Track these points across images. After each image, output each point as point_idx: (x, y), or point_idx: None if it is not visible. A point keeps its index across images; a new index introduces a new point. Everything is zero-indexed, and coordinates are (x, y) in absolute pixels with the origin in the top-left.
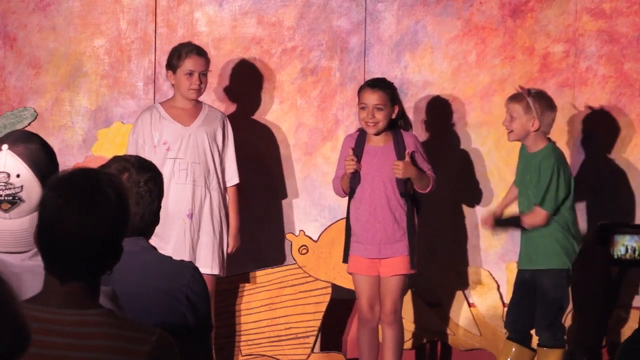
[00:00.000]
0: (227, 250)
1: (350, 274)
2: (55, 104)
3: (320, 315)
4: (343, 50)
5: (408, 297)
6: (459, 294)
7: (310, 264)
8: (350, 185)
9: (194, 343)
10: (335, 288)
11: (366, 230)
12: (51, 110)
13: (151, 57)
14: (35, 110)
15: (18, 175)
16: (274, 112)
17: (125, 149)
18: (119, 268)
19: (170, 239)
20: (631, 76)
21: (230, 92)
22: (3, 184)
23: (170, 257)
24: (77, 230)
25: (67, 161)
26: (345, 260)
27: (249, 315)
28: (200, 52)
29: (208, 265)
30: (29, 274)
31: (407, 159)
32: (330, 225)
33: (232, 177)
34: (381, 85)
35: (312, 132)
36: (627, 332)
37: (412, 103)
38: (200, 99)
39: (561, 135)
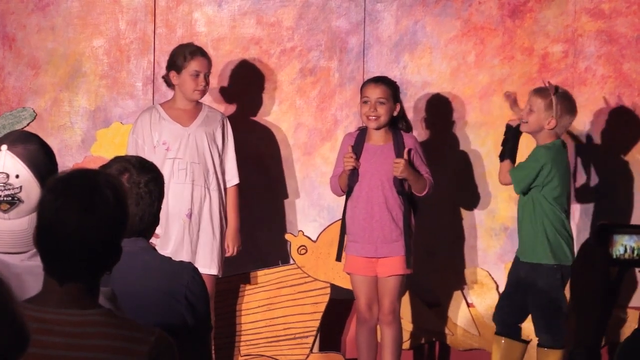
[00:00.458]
0: (225, 251)
1: (348, 273)
2: (54, 104)
3: (319, 316)
4: (342, 51)
5: (406, 297)
6: (457, 294)
7: (309, 264)
8: (348, 183)
9: (193, 343)
10: (334, 288)
11: (363, 229)
12: (50, 110)
13: (150, 57)
14: (34, 111)
15: (17, 176)
16: (273, 113)
17: (124, 150)
18: (118, 268)
19: (170, 239)
20: (630, 76)
21: (230, 92)
22: (2, 184)
23: (170, 258)
24: (76, 231)
25: (66, 161)
26: (339, 258)
27: (248, 315)
28: (204, 53)
29: (207, 265)
30: (28, 274)
31: (406, 156)
32: (329, 225)
33: (232, 178)
34: (384, 80)
35: (311, 132)
36: (626, 332)
37: (411, 103)
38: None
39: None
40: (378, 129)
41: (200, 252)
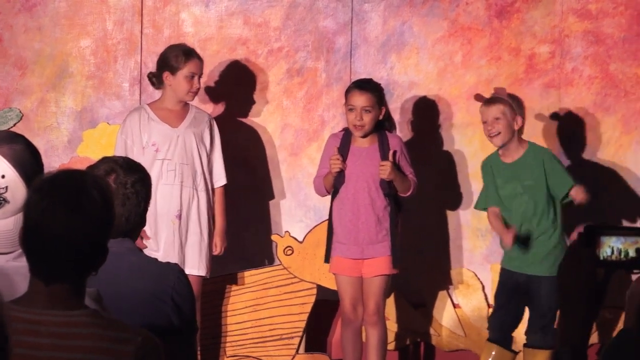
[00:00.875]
0: (212, 252)
1: (334, 274)
2: (41, 104)
3: (305, 316)
4: (329, 51)
5: (392, 298)
6: (443, 294)
7: (296, 265)
8: (334, 184)
9: (179, 344)
10: (320, 289)
11: (349, 230)
12: (37, 111)
13: (137, 57)
14: (20, 111)
15: (3, 176)
16: (260, 113)
17: (111, 150)
18: (105, 269)
19: (160, 240)
20: (617, 77)
21: (217, 92)
22: None
23: (156, 259)
24: (62, 232)
25: (52, 162)
26: (327, 260)
27: (234, 316)
28: (198, 55)
29: (195, 266)
30: (17, 275)
31: (391, 159)
32: (316, 226)
33: (220, 179)
34: (369, 87)
35: (298, 133)
36: (612, 332)
37: (398, 104)
38: None
39: (546, 136)
40: (364, 136)
41: (189, 253)
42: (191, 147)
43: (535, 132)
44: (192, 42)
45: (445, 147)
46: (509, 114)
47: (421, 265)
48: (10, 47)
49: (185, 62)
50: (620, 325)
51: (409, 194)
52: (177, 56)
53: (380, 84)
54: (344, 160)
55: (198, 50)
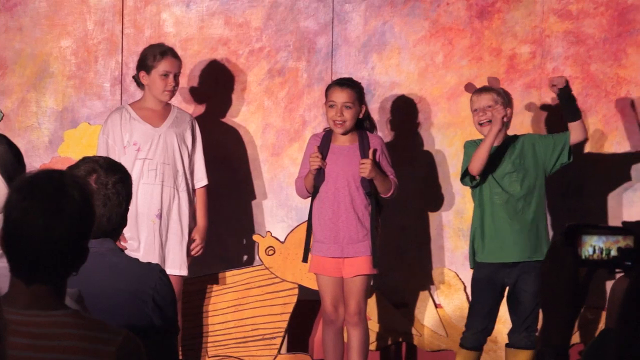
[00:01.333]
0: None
1: (314, 274)
2: (22, 104)
3: (287, 317)
4: (310, 51)
5: (373, 298)
6: (425, 294)
7: (277, 265)
8: (314, 183)
9: (160, 345)
10: (302, 289)
11: (329, 229)
12: (17, 111)
13: (118, 57)
14: (1, 111)
15: None
16: (241, 113)
17: (92, 150)
18: (85, 269)
19: (141, 240)
20: (597, 77)
21: (198, 93)
22: None
23: (137, 259)
24: (42, 232)
25: (33, 162)
26: (305, 259)
27: (216, 316)
28: (175, 54)
29: (176, 266)
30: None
31: (371, 157)
32: (297, 226)
33: (201, 179)
34: (350, 83)
35: (279, 133)
36: (594, 332)
37: (379, 104)
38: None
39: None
40: (344, 133)
41: (170, 253)
42: (172, 147)
43: (518, 131)
44: (173, 42)
45: (426, 148)
46: (501, 104)
47: (403, 265)
48: None
49: (159, 61)
50: (602, 326)
51: (389, 194)
52: (151, 55)
53: (360, 83)
54: (324, 158)
55: (179, 51)
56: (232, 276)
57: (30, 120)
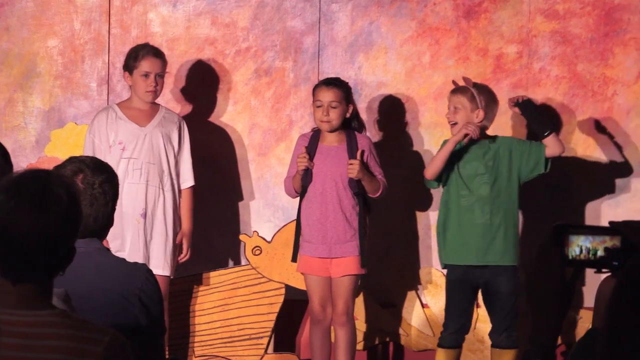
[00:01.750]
0: (180, 253)
1: (302, 274)
2: (8, 104)
3: (273, 316)
4: (297, 51)
5: (361, 298)
6: (412, 294)
7: (264, 264)
8: (302, 183)
9: (147, 344)
10: (289, 289)
11: (317, 229)
12: (4, 111)
13: (105, 57)
14: None
15: None
16: (228, 113)
17: (79, 150)
18: (72, 269)
19: (126, 239)
20: (584, 77)
21: (184, 92)
22: None
23: (124, 259)
24: (29, 232)
25: (20, 162)
26: (294, 259)
27: (203, 316)
28: (156, 54)
29: (160, 266)
30: None
31: (359, 157)
32: (284, 226)
33: (187, 180)
34: (336, 83)
35: (266, 133)
36: (581, 332)
37: (365, 104)
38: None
39: (514, 135)
40: (331, 132)
41: (154, 253)
42: (158, 147)
43: (503, 130)
44: (160, 42)
45: (414, 148)
46: (469, 106)
47: (390, 265)
48: None
49: (140, 61)
50: (588, 325)
51: (378, 194)
52: (132, 55)
53: (347, 82)
54: (312, 159)
55: (165, 50)
56: (218, 276)
57: (17, 120)
